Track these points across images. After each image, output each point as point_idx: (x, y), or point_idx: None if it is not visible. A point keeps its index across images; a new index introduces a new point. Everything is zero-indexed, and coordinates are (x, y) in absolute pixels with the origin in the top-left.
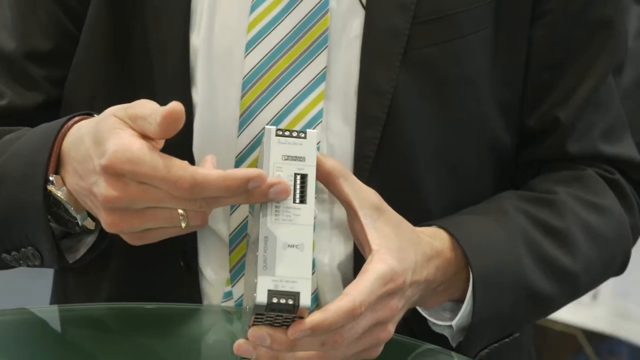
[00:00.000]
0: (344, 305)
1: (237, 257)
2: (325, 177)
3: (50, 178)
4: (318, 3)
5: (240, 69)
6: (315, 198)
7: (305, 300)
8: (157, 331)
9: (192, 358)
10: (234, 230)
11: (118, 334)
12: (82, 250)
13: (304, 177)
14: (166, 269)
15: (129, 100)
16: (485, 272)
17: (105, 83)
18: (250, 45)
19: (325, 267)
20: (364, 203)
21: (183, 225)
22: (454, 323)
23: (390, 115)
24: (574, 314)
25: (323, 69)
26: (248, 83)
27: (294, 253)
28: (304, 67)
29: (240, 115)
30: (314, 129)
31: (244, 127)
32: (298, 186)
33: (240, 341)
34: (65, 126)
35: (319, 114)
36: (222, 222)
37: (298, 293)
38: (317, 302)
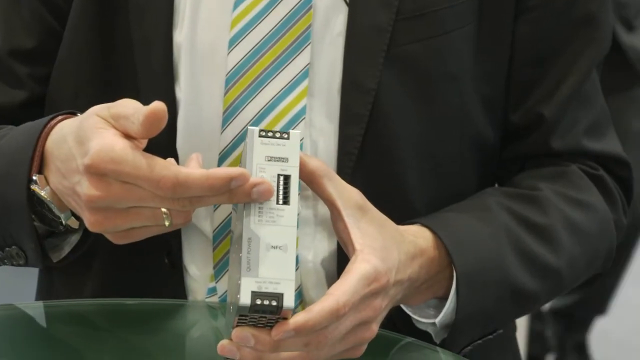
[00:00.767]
0: (327, 305)
1: (221, 253)
2: (308, 177)
3: (34, 177)
4: (301, 0)
5: (224, 66)
6: (299, 195)
7: (289, 302)
8: (142, 327)
9: (177, 353)
10: (217, 227)
11: (103, 329)
12: (67, 249)
13: (287, 178)
14: (151, 266)
15: (113, 97)
16: (468, 270)
17: (88, 80)
18: (234, 42)
19: (309, 264)
20: (347, 203)
21: (167, 223)
22: (437, 320)
23: (374, 112)
24: None
25: (306, 65)
26: (231, 79)
27: (278, 254)
28: (287, 63)
29: (224, 112)
30: (297, 125)
31: (228, 123)
32: (281, 187)
33: (224, 342)
34: (49, 125)
35: (302, 111)
36: (205, 219)
37: (282, 294)
38: (301, 298)
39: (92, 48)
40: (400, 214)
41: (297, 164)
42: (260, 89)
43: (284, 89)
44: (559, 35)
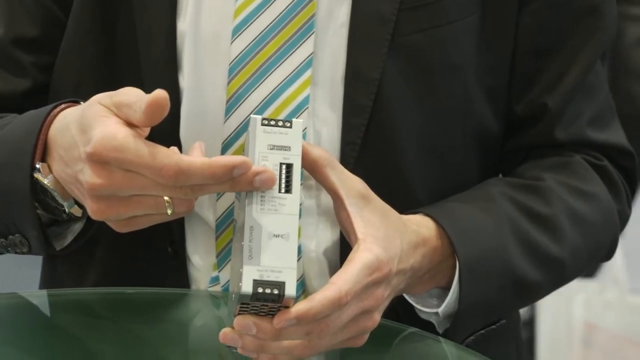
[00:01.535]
0: (329, 294)
1: (224, 242)
2: (311, 166)
3: (37, 166)
4: None
5: (227, 55)
6: (302, 184)
7: (291, 290)
8: (145, 315)
9: (180, 342)
10: (220, 216)
11: (106, 318)
12: (70, 238)
13: (289, 167)
14: (154, 255)
15: (116, 86)
16: (471, 260)
17: (91, 69)
18: (237, 31)
19: (311, 254)
20: (350, 192)
21: (169, 212)
22: (440, 310)
23: (377, 102)
24: None
25: (310, 55)
26: (235, 69)
27: (280, 243)
28: (290, 53)
29: (227, 101)
30: (300, 115)
31: (231, 112)
32: (284, 176)
33: (225, 330)
34: (52, 113)
35: (306, 100)
36: (208, 209)
37: (283, 283)
38: (304, 288)
39: (95, 37)
40: (403, 204)
41: (300, 153)
42: (264, 78)
43: (287, 79)
44: (561, 26)
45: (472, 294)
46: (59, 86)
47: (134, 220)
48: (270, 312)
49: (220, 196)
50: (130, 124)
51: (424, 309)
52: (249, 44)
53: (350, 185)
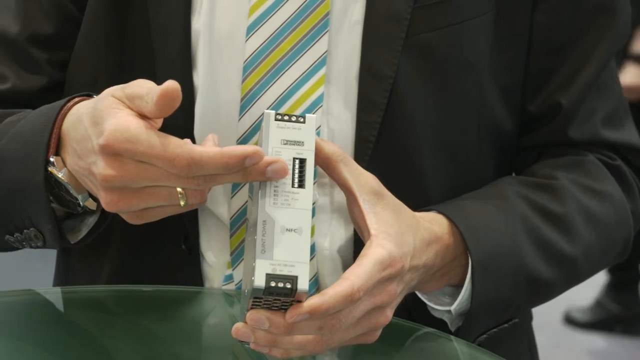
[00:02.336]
0: (342, 289)
1: (238, 240)
2: (324, 162)
3: (51, 159)
4: None
5: (242, 53)
6: (315, 182)
7: (303, 284)
8: (158, 313)
9: (193, 339)
10: (234, 214)
11: (119, 315)
12: (84, 231)
13: (302, 162)
14: (168, 252)
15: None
16: (484, 258)
17: (106, 66)
18: (252, 29)
19: (325, 251)
20: (363, 188)
21: (182, 203)
22: (452, 308)
23: (391, 99)
24: None
25: (324, 53)
26: (249, 67)
27: (292, 237)
28: (304, 51)
29: (242, 99)
30: (314, 113)
31: (245, 110)
32: (297, 171)
33: (238, 324)
34: (65, 107)
35: (320, 98)
36: (223, 206)
37: (296, 277)
38: (317, 285)
39: (110, 35)
40: (416, 201)
41: (313, 148)
42: (278, 76)
43: (301, 77)
44: (575, 24)
45: (485, 292)
46: (74, 83)
47: (146, 211)
48: (283, 307)
49: (235, 193)
50: (142, 116)
51: (437, 307)
52: (264, 42)
53: (364, 182)
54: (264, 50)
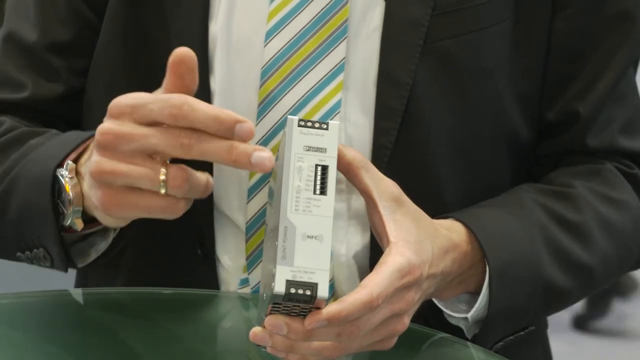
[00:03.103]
0: (361, 297)
1: (254, 245)
2: (345, 168)
3: (67, 162)
4: None
5: (260, 58)
6: None
7: (323, 292)
8: (174, 316)
9: (209, 342)
10: (250, 219)
11: (135, 318)
12: (93, 256)
13: (324, 169)
14: (183, 256)
15: (148, 89)
16: (501, 265)
17: (124, 72)
18: (270, 35)
19: (341, 258)
20: (383, 194)
21: (162, 191)
22: (469, 315)
23: (409, 106)
24: None
25: (342, 59)
26: (267, 72)
27: (313, 244)
28: (323, 57)
29: (259, 104)
30: (332, 119)
31: (262, 116)
32: (319, 177)
33: (256, 329)
34: (84, 144)
35: (337, 105)
36: (239, 211)
37: (316, 284)
38: (333, 291)
39: (127, 40)
40: (433, 208)
41: (335, 155)
42: (296, 82)
43: (319, 83)
44: (594, 32)
45: (502, 300)
46: (91, 90)
47: (124, 195)
48: (302, 313)
49: (251, 199)
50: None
51: (453, 314)
52: (282, 47)
53: (384, 188)
54: (283, 56)
